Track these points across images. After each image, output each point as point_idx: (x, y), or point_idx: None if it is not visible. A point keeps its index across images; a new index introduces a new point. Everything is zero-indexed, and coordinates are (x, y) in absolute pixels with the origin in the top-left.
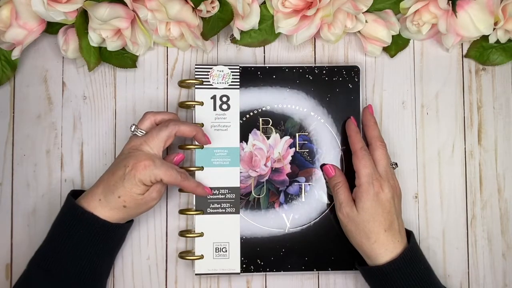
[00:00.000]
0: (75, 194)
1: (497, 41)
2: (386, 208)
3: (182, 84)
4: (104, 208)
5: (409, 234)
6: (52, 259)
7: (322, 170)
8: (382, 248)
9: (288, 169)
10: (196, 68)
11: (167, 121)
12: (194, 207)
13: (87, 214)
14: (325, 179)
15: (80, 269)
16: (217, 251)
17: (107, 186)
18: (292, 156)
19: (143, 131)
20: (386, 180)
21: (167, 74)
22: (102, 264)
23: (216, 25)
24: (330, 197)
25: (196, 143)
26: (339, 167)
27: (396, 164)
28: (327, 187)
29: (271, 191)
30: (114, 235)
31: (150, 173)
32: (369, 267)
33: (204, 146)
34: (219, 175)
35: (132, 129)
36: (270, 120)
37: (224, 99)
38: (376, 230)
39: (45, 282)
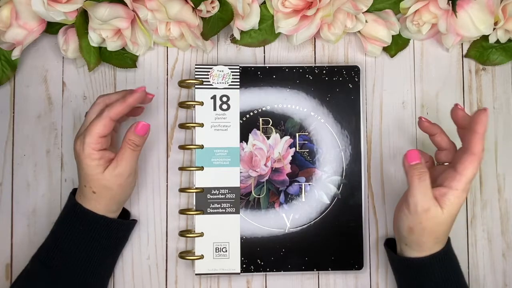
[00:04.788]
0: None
1: (497, 41)
2: (456, 215)
3: (182, 84)
4: (85, 203)
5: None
6: (56, 256)
7: (404, 156)
8: (435, 247)
9: (288, 169)
10: (196, 68)
11: (102, 110)
12: (194, 207)
13: (87, 211)
14: (404, 165)
15: (83, 267)
16: (217, 251)
17: (79, 183)
18: (292, 156)
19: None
20: (467, 191)
21: (167, 74)
22: (104, 262)
23: (216, 25)
24: (330, 197)
25: (196, 143)
26: (340, 167)
27: None
28: (405, 172)
29: (271, 191)
30: (117, 232)
31: (85, 145)
32: (410, 258)
33: (204, 146)
34: (219, 175)
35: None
36: (270, 120)
37: (224, 99)
38: (447, 233)
39: (49, 280)
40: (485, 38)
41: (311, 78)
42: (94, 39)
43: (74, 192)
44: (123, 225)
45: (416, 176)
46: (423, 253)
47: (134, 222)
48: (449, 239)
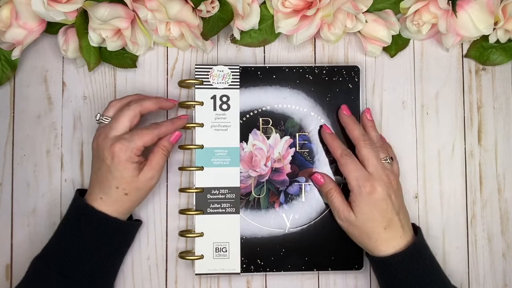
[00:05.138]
0: (81, 193)
1: (497, 41)
2: (382, 207)
3: (182, 84)
4: (107, 205)
5: (416, 230)
6: (64, 259)
7: (311, 180)
8: (385, 245)
9: (288, 169)
10: (196, 68)
11: (129, 103)
12: (194, 207)
13: (99, 213)
14: (316, 188)
15: (92, 269)
16: (217, 251)
17: (101, 184)
18: (292, 156)
19: (108, 118)
20: (377, 179)
21: (167, 74)
22: (114, 263)
23: (216, 25)
24: None
25: (196, 143)
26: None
27: (391, 158)
28: (321, 195)
29: (271, 191)
30: (127, 233)
31: (128, 149)
32: (375, 256)
33: (204, 146)
34: (219, 175)
35: (97, 118)
36: (270, 120)
37: (224, 99)
38: (376, 230)
39: (56, 283)
40: (485, 38)
41: (311, 78)
42: (94, 39)
43: (80, 193)
44: (134, 226)
45: (327, 195)
46: (383, 254)
47: (140, 222)
48: (418, 231)
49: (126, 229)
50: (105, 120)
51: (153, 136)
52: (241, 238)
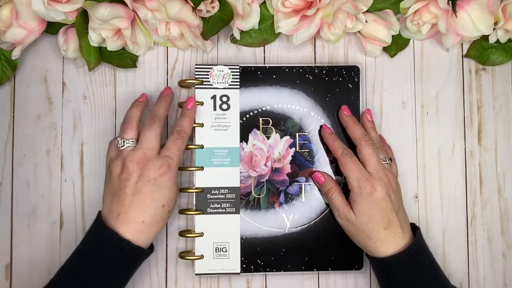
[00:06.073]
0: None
1: (497, 41)
2: (381, 207)
3: (182, 84)
4: (150, 227)
5: (415, 229)
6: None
7: (312, 179)
8: (384, 246)
9: (288, 169)
10: (196, 68)
11: (150, 118)
12: (194, 207)
13: (128, 244)
14: (317, 187)
15: None
16: (217, 251)
17: (144, 205)
18: (292, 156)
19: (134, 140)
20: (377, 179)
21: (167, 74)
22: (124, 284)
23: (216, 25)
24: None
25: (196, 143)
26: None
27: (390, 159)
28: (321, 194)
29: (271, 191)
30: (143, 259)
31: (173, 165)
32: (374, 257)
33: (204, 146)
34: (219, 175)
35: (121, 144)
36: (270, 120)
37: (224, 99)
38: (375, 229)
39: None
40: (485, 38)
41: (311, 78)
42: (94, 39)
43: (99, 215)
44: (150, 252)
45: (328, 194)
46: (382, 255)
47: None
48: (417, 231)
49: (144, 256)
50: (131, 143)
51: (185, 143)
52: (241, 238)
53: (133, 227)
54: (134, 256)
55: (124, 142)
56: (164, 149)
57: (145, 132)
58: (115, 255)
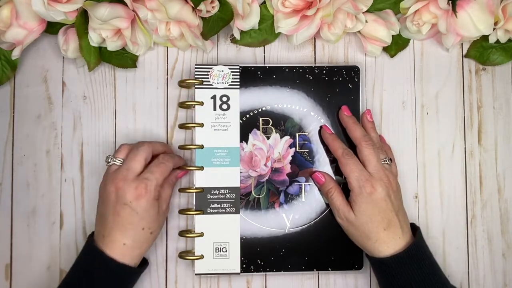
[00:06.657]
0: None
1: (497, 41)
2: (382, 207)
3: (182, 84)
4: (133, 250)
5: (415, 229)
6: None
7: (312, 179)
8: (384, 246)
9: (288, 169)
10: (196, 68)
11: (139, 143)
12: (194, 207)
13: (120, 266)
14: (317, 187)
15: None
16: (217, 251)
17: (124, 229)
18: (292, 156)
19: (121, 159)
20: (377, 179)
21: (167, 74)
22: None
23: (216, 25)
24: None
25: (196, 143)
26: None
27: (390, 159)
28: (321, 194)
29: (271, 191)
30: (137, 278)
31: (152, 188)
32: (374, 257)
33: (204, 146)
34: (219, 175)
35: (109, 160)
36: (270, 120)
37: (224, 99)
38: (375, 230)
39: None
40: (485, 38)
41: (311, 78)
42: (94, 39)
43: (91, 237)
44: (142, 271)
45: (328, 194)
46: (382, 255)
47: (147, 264)
48: (417, 231)
49: (138, 274)
50: (118, 161)
51: (169, 170)
52: (241, 238)
53: (117, 249)
54: (124, 274)
55: (111, 159)
56: (146, 171)
57: (131, 152)
58: (106, 274)
